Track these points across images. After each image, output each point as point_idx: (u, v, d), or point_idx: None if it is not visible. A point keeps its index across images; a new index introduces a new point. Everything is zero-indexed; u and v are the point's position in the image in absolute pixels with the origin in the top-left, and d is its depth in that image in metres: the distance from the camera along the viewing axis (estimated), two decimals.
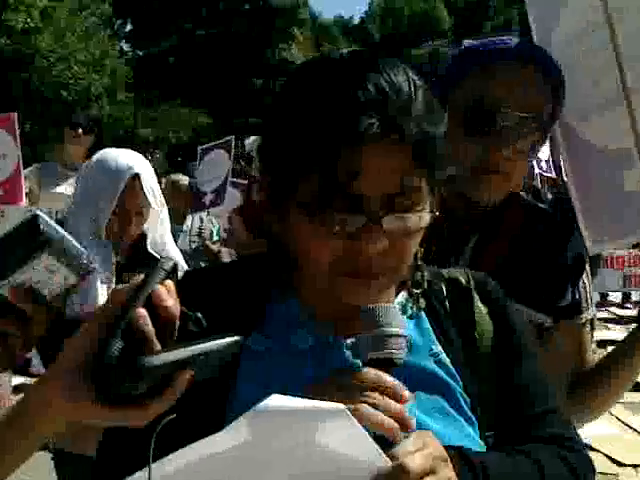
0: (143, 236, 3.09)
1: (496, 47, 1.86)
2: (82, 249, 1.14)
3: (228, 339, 1.00)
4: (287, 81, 1.27)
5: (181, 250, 3.82)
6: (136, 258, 3.08)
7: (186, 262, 6.32)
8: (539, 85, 1.84)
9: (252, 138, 5.67)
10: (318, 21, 61.89)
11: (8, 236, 1.09)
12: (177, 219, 6.67)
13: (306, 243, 1.20)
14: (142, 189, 2.93)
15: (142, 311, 0.96)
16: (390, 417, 1.06)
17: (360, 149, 1.12)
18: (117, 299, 0.99)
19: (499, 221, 1.96)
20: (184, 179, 7.24)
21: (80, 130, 5.93)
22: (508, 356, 1.37)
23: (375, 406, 1.06)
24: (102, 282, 2.95)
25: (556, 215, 2.01)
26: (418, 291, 1.36)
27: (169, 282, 1.01)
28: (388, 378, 1.10)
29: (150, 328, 0.96)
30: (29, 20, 28.88)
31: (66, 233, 1.12)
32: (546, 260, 1.93)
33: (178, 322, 1.00)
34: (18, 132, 6.37)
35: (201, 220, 6.63)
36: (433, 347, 1.32)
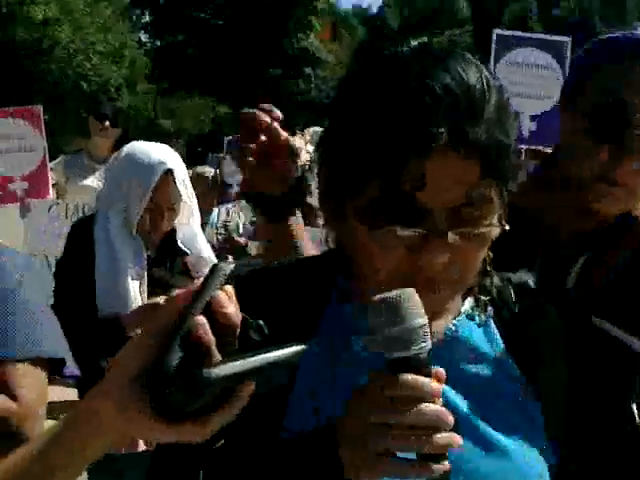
0: (173, 230, 3.08)
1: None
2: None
3: (292, 348, 0.93)
4: (354, 74, 1.20)
5: None
6: (166, 252, 3.07)
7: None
8: None
9: (312, 129, 5.60)
10: (336, 10, 61.66)
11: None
12: (202, 211, 6.64)
13: (363, 250, 1.14)
14: (175, 184, 2.92)
15: (202, 319, 0.89)
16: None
17: (425, 159, 1.05)
18: (173, 306, 0.92)
19: (616, 238, 1.72)
20: (209, 171, 7.21)
21: (107, 122, 5.92)
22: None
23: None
24: (133, 278, 2.94)
25: None
26: (486, 298, 1.29)
27: (229, 287, 0.94)
28: (429, 385, 1.01)
29: (210, 337, 0.89)
30: (48, 11, 28.89)
31: None
32: None
33: (239, 330, 0.94)
34: (43, 125, 6.39)
35: (227, 213, 6.60)
36: (502, 356, 1.25)
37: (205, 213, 6.60)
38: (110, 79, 36.88)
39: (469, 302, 1.29)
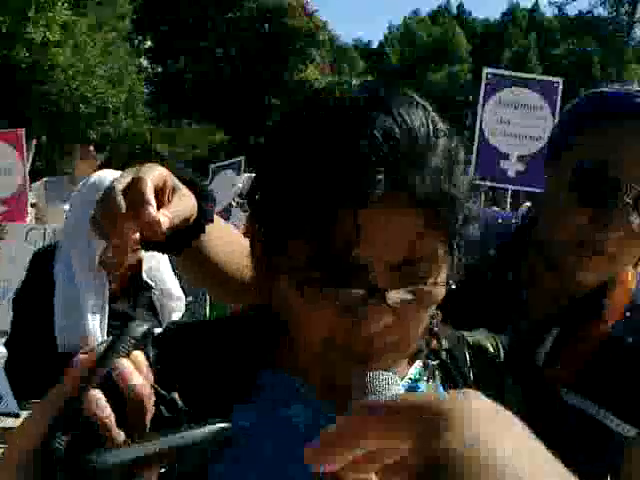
0: (139, 263, 2.96)
1: (633, 101, 1.45)
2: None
3: (212, 427, 0.81)
4: (282, 119, 1.06)
5: None
6: (130, 285, 2.95)
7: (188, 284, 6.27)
8: None
9: (245, 176, 5.52)
10: (337, 44, 62.00)
11: None
12: None
13: (295, 313, 1.02)
14: None
15: (94, 394, 0.79)
16: None
17: (361, 210, 0.92)
18: (70, 377, 0.83)
19: (592, 311, 1.58)
20: None
21: (92, 147, 5.87)
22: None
23: None
24: (94, 312, 2.82)
25: None
26: (435, 362, 1.17)
27: (137, 354, 0.84)
28: None
29: (106, 414, 0.78)
30: (48, 34, 28.96)
31: None
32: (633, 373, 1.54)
33: (151, 404, 0.82)
34: (25, 147, 6.31)
35: None
36: None
37: None
38: (109, 103, 36.92)
39: (416, 367, 1.17)
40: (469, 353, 1.21)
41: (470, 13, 69.93)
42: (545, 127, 5.94)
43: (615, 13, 53.39)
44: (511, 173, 6.01)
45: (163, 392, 0.84)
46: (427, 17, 66.19)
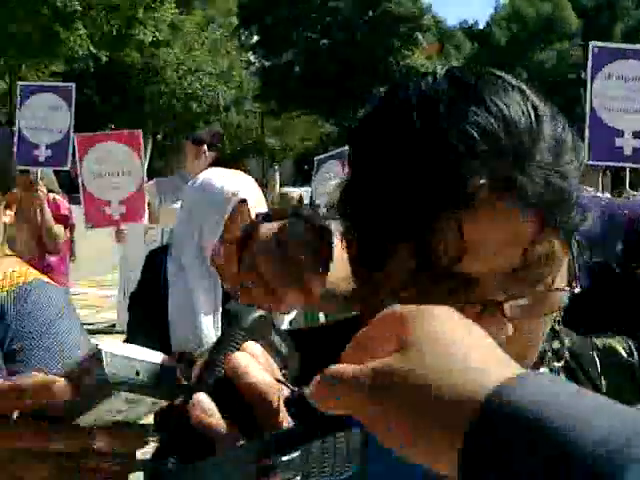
0: None
1: None
2: (170, 367, 0.77)
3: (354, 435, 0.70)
4: (372, 117, 0.94)
5: None
6: (243, 284, 2.94)
7: None
8: None
9: (332, 183, 5.40)
10: (442, 27, 61.30)
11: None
12: None
13: None
14: (249, 215, 2.78)
15: (197, 398, 0.68)
16: None
17: (464, 217, 0.82)
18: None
19: None
20: (294, 192, 7.14)
21: (205, 147, 5.90)
22: None
23: None
24: (207, 313, 2.81)
25: None
26: (559, 364, 1.05)
27: (250, 344, 0.71)
28: None
29: (213, 419, 0.68)
30: (157, 34, 29.64)
31: (145, 356, 0.82)
32: None
33: (276, 398, 0.69)
34: (142, 149, 6.44)
35: None
36: None
37: None
38: (219, 99, 37.59)
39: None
40: (597, 356, 1.09)
41: None
42: None
43: None
44: (627, 151, 5.63)
45: (290, 387, 0.70)
46: None
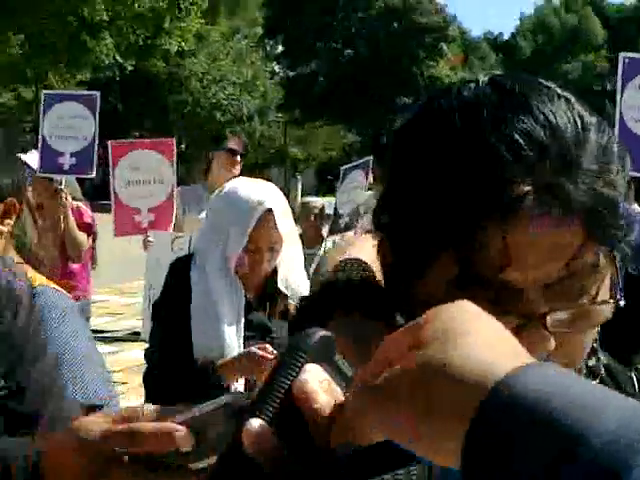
0: (274, 271, 2.91)
1: None
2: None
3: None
4: (407, 127, 0.92)
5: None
6: (266, 295, 2.90)
7: None
8: None
9: (367, 194, 5.23)
10: (467, 37, 61.22)
11: None
12: (308, 242, 6.40)
13: None
14: (275, 225, 2.75)
15: (251, 425, 0.64)
16: None
17: (508, 226, 0.80)
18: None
19: None
20: (317, 202, 7.10)
21: (239, 157, 5.88)
22: None
23: None
24: (230, 324, 2.79)
25: None
26: (594, 382, 1.03)
27: (313, 368, 0.67)
28: None
29: (270, 448, 0.64)
30: (183, 44, 29.81)
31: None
32: None
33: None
34: (175, 157, 6.43)
35: (334, 244, 6.42)
36: None
37: (313, 244, 6.49)
38: (243, 109, 37.76)
39: None
40: (636, 376, 1.06)
41: None
42: None
43: None
44: None
45: None
46: (560, 4, 64.53)
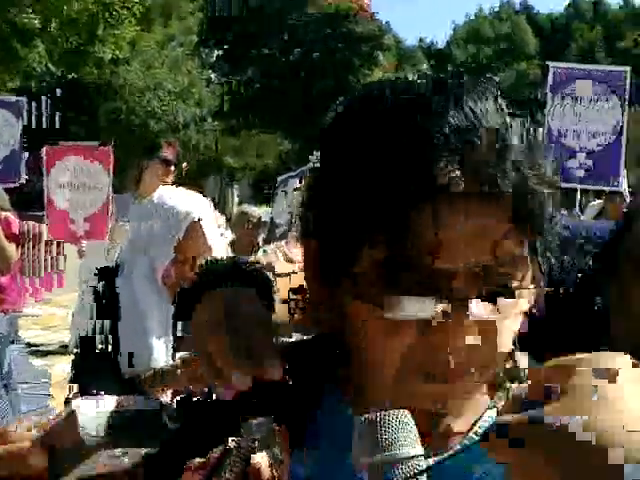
0: None
1: None
2: (152, 411, 0.83)
3: None
4: (342, 114, 0.94)
5: None
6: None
7: None
8: None
9: (290, 199, 5.26)
10: (402, 46, 61.78)
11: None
12: (241, 251, 6.48)
13: (365, 333, 0.89)
14: (203, 235, 2.72)
15: None
16: None
17: (437, 209, 0.82)
18: None
19: None
20: (254, 211, 7.08)
21: (173, 167, 5.78)
22: None
23: None
24: (158, 336, 2.74)
25: None
26: (513, 385, 1.01)
27: (259, 457, 0.75)
28: None
29: None
30: (117, 51, 29.46)
31: (126, 405, 0.83)
32: None
33: None
34: (112, 165, 6.32)
35: (265, 252, 6.41)
36: None
37: (246, 253, 6.47)
38: (178, 117, 37.47)
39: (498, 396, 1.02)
40: None
41: (533, 8, 69.07)
42: (613, 120, 5.63)
43: None
44: (579, 172, 5.69)
45: None
46: (492, 14, 65.52)
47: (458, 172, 0.82)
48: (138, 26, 31.12)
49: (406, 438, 0.77)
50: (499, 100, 0.89)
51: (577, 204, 5.90)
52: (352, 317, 0.90)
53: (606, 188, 6.08)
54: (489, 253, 0.84)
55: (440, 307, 0.84)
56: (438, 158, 0.82)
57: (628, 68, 5.85)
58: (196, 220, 2.70)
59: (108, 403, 0.77)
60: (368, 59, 46.75)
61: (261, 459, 0.74)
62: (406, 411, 0.78)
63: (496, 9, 66.09)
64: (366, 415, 0.78)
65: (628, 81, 5.67)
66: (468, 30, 62.55)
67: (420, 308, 0.84)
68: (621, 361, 0.69)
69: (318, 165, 0.95)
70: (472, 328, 0.85)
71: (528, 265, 0.89)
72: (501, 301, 0.87)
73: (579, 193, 5.87)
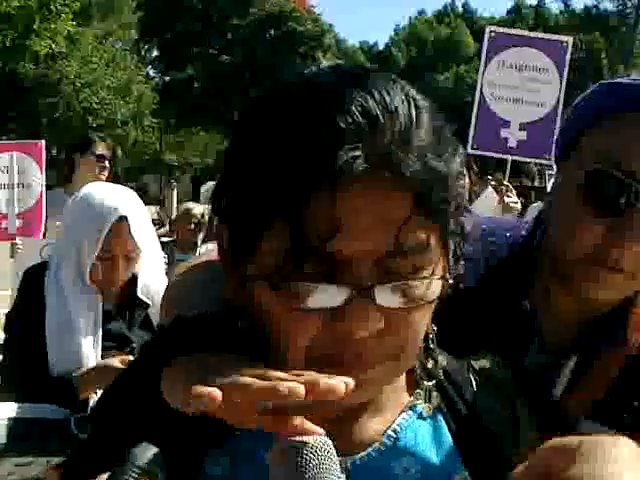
0: (134, 280, 2.82)
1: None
2: (59, 420, 0.81)
3: None
4: (251, 105, 0.94)
5: None
6: (126, 304, 2.81)
7: None
8: None
9: (209, 184, 5.33)
10: (343, 46, 61.93)
11: None
12: (182, 249, 6.50)
13: (271, 320, 0.88)
14: (129, 232, 2.66)
15: None
16: None
17: (339, 194, 0.80)
18: None
19: (612, 334, 1.37)
20: (198, 208, 7.03)
21: (107, 163, 5.69)
22: None
23: None
24: (87, 334, 2.68)
25: None
26: (430, 383, 1.02)
27: None
28: None
29: None
30: (54, 46, 28.96)
31: (31, 413, 0.82)
32: None
33: None
34: (44, 161, 6.19)
35: (207, 251, 6.37)
36: (455, 464, 0.99)
37: (188, 250, 6.43)
38: (117, 114, 37.00)
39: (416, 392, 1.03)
40: (475, 379, 1.06)
41: (475, 11, 69.78)
42: (551, 92, 5.41)
43: (622, 7, 53.11)
44: (512, 142, 5.46)
45: None
46: (433, 17, 66.07)
47: (358, 154, 0.80)
48: (75, 21, 30.66)
49: (329, 467, 0.75)
50: (409, 92, 0.88)
51: (506, 177, 5.61)
52: (257, 302, 0.89)
53: (538, 161, 5.99)
54: (393, 239, 0.83)
55: (344, 295, 0.83)
56: (339, 142, 0.81)
57: (570, 38, 5.61)
58: (122, 216, 2.64)
59: (16, 409, 0.77)
60: (308, 58, 46.75)
61: None
62: (325, 438, 0.77)
63: (438, 12, 66.70)
64: (283, 444, 0.77)
65: (568, 52, 5.43)
66: (408, 33, 62.96)
67: (324, 297, 0.84)
68: (624, 445, 0.71)
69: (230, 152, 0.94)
70: (376, 316, 0.84)
71: (436, 254, 0.87)
72: (409, 290, 0.86)
73: (509, 165, 5.62)
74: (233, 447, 0.95)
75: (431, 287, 0.87)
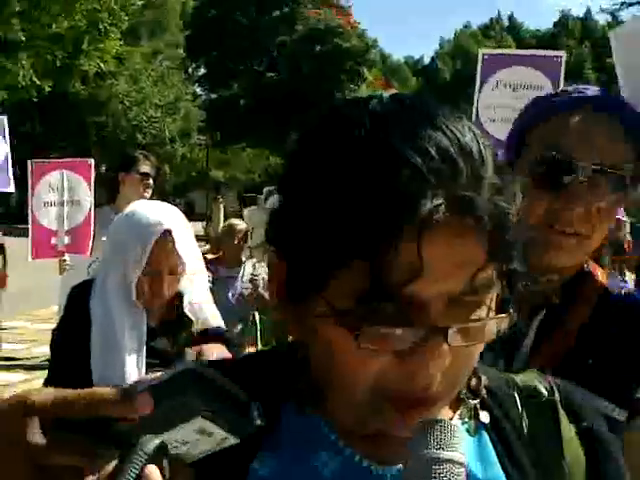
0: (179, 296, 2.80)
1: (571, 96, 1.65)
2: (254, 409, 0.84)
3: None
4: (312, 133, 0.91)
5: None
6: (171, 322, 2.80)
7: (238, 310, 6.16)
8: (618, 138, 1.58)
9: (252, 208, 5.28)
10: (388, 61, 61.98)
11: (167, 389, 0.80)
12: (229, 264, 6.53)
13: (336, 357, 0.87)
14: (174, 246, 2.64)
15: None
16: None
17: (421, 239, 0.79)
18: None
19: (569, 298, 1.65)
20: (242, 224, 7.05)
21: (151, 180, 5.72)
22: None
23: None
24: (130, 352, 2.66)
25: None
26: (476, 401, 1.02)
27: (151, 470, 0.74)
28: None
29: None
30: (103, 65, 29.39)
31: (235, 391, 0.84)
32: (620, 356, 1.60)
33: None
34: (93, 179, 6.27)
35: (254, 267, 6.38)
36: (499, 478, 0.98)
37: (234, 266, 6.45)
38: (165, 131, 37.45)
39: (462, 410, 1.02)
40: (518, 395, 1.05)
41: (521, 24, 69.47)
42: None
43: None
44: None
45: None
46: (479, 30, 65.88)
47: (441, 199, 0.80)
48: (124, 40, 31.11)
49: (454, 444, 0.81)
50: (473, 127, 0.88)
51: None
52: (322, 337, 0.88)
53: None
54: (468, 281, 0.83)
55: (419, 335, 0.83)
56: (422, 187, 0.80)
57: (563, 52, 5.60)
58: (166, 230, 2.63)
59: (222, 379, 0.83)
60: (354, 74, 46.85)
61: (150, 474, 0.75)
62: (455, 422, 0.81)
63: (483, 25, 66.52)
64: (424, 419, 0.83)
65: (562, 66, 5.35)
66: (455, 45, 62.85)
67: (399, 338, 0.83)
68: None
69: (285, 185, 0.93)
70: (449, 356, 0.85)
71: (495, 289, 0.88)
72: (477, 330, 0.86)
73: None
74: (283, 449, 0.96)
75: (494, 324, 0.88)
